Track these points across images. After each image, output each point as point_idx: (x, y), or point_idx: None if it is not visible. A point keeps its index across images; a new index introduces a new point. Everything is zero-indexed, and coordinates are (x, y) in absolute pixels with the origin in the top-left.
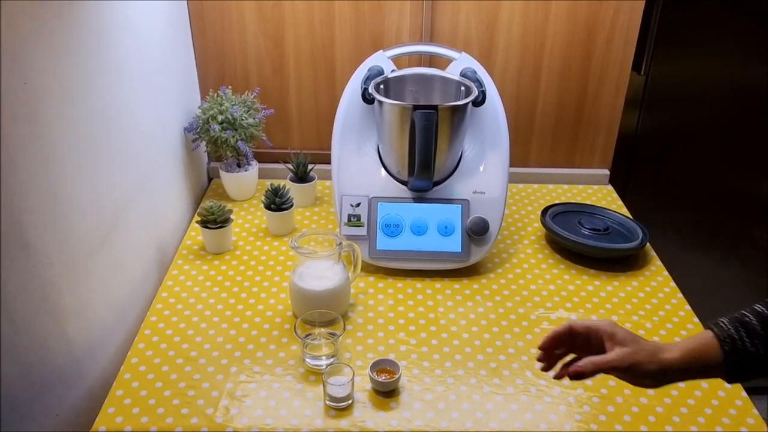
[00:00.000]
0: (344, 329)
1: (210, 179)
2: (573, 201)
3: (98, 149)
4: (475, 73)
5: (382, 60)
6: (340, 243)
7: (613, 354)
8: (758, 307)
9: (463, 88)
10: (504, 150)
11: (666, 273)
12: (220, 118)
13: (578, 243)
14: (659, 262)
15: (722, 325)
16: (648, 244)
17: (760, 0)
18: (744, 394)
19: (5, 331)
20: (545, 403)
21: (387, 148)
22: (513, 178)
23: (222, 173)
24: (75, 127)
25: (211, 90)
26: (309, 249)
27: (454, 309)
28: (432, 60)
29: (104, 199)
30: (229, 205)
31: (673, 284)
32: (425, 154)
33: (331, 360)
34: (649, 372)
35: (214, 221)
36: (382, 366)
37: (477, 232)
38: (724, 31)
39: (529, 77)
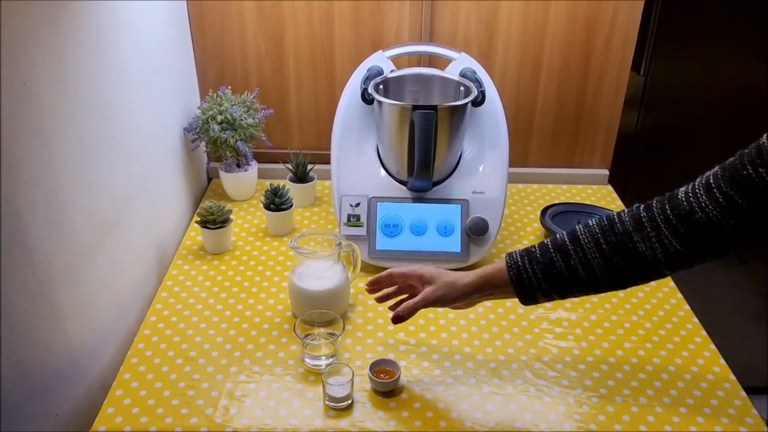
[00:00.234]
0: (344, 329)
1: (209, 179)
2: (572, 201)
3: (98, 149)
4: (475, 73)
5: (381, 60)
6: (340, 243)
7: (421, 294)
8: (548, 239)
9: (462, 88)
10: (503, 150)
11: None
12: (219, 118)
13: None
14: None
15: (513, 253)
16: None
17: (760, 0)
18: (743, 393)
19: (5, 331)
20: (545, 403)
21: (386, 148)
22: (512, 178)
23: (221, 173)
24: (75, 127)
25: (210, 90)
26: (308, 249)
27: (454, 309)
28: (431, 60)
29: (104, 199)
30: (228, 206)
31: (672, 284)
32: (424, 154)
33: (331, 360)
34: (454, 298)
35: (214, 221)
36: (381, 366)
37: (476, 232)
38: (723, 31)
39: (529, 77)
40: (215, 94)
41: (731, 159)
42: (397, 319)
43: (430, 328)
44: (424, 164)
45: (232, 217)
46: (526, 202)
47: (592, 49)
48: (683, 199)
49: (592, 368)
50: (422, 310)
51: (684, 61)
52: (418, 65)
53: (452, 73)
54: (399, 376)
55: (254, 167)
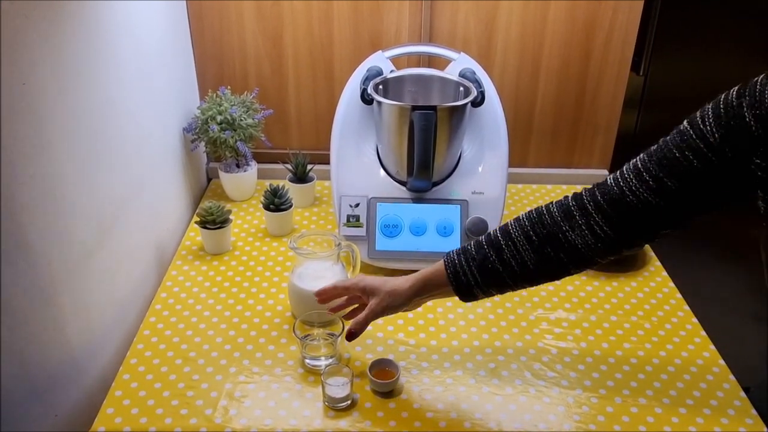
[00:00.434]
0: (343, 330)
1: (209, 179)
2: None
3: (97, 150)
4: (474, 73)
5: (381, 60)
6: (339, 243)
7: (367, 308)
8: (483, 235)
9: (462, 88)
10: (503, 150)
11: (665, 273)
12: (219, 118)
13: None
14: (658, 263)
15: (451, 252)
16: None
17: (760, 0)
18: (743, 394)
19: (4, 331)
20: (544, 404)
21: (386, 148)
22: (512, 179)
23: (221, 173)
24: (74, 127)
25: (210, 90)
26: (308, 249)
27: (453, 309)
28: (431, 60)
29: (103, 199)
30: (228, 206)
31: (671, 284)
32: (424, 154)
33: (330, 360)
34: (398, 305)
35: (213, 222)
36: (381, 366)
37: (476, 232)
38: (723, 31)
39: (528, 77)
40: (215, 95)
41: (655, 146)
42: (350, 336)
43: (429, 329)
44: (423, 164)
45: (231, 217)
46: (526, 202)
47: (592, 49)
48: (613, 184)
49: (591, 369)
50: (420, 310)
51: (684, 62)
52: (418, 65)
53: (452, 73)
54: (398, 376)
55: (254, 167)
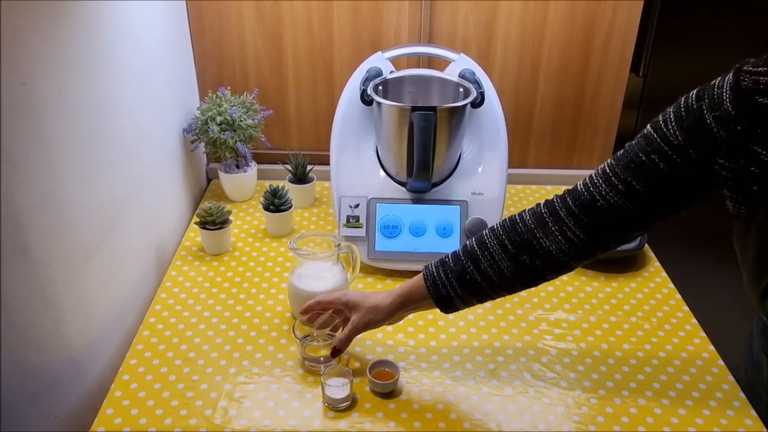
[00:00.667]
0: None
1: (209, 180)
2: None
3: (97, 150)
4: (474, 74)
5: (380, 61)
6: (339, 244)
7: (349, 324)
8: (460, 247)
9: (461, 89)
10: (502, 151)
11: (665, 274)
12: (218, 119)
13: None
14: (658, 263)
15: (429, 265)
16: (647, 245)
17: (760, 0)
18: (741, 394)
19: (4, 332)
20: (543, 405)
21: (386, 149)
22: (511, 179)
23: (221, 174)
24: (74, 128)
25: (210, 91)
26: (308, 250)
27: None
28: (431, 61)
29: (103, 200)
30: (227, 206)
31: (671, 285)
32: (424, 155)
33: (330, 361)
34: (380, 320)
35: (213, 222)
36: (380, 367)
37: (476, 233)
38: (723, 32)
39: (527, 78)
40: (214, 95)
41: (622, 150)
42: (335, 352)
43: (429, 330)
44: (423, 165)
45: (231, 218)
46: (526, 203)
47: (591, 49)
48: (583, 190)
49: (591, 369)
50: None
51: (683, 62)
52: (418, 66)
53: (451, 74)
54: (398, 377)
55: (253, 168)
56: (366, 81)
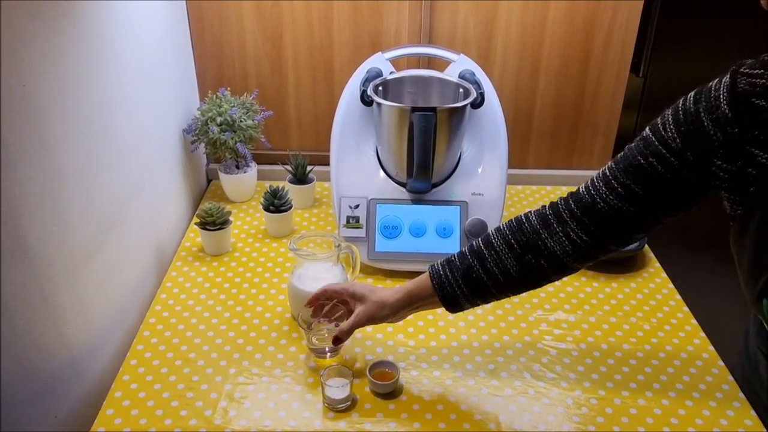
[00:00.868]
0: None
1: (209, 181)
2: None
3: (97, 151)
4: (474, 74)
5: (380, 62)
6: (339, 245)
7: (354, 315)
8: (466, 246)
9: (461, 89)
10: (502, 151)
11: (664, 274)
12: (219, 119)
13: None
14: (658, 264)
15: (435, 264)
16: (647, 245)
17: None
18: (741, 395)
19: (4, 332)
20: (543, 405)
21: (386, 149)
22: (511, 180)
23: (221, 175)
24: (74, 128)
25: (210, 92)
26: (307, 251)
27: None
28: (430, 61)
29: (103, 200)
30: (227, 207)
31: (671, 285)
32: (424, 155)
33: (335, 350)
34: (384, 316)
35: (213, 223)
36: (380, 368)
37: (475, 233)
38: (723, 32)
39: (527, 78)
40: (214, 96)
41: (622, 153)
42: (337, 340)
43: (429, 330)
44: (423, 166)
45: (231, 218)
46: (525, 203)
47: (591, 49)
48: (584, 193)
49: (591, 370)
50: (421, 313)
51: (683, 63)
52: (417, 67)
53: (451, 74)
54: (398, 377)
55: (253, 169)
56: (366, 81)
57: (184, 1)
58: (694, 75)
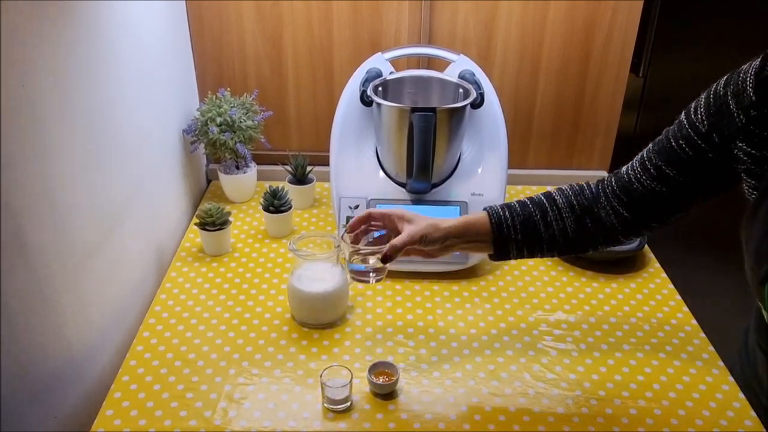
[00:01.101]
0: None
1: (208, 181)
2: None
3: (96, 151)
4: (474, 75)
5: (380, 62)
6: (339, 245)
7: (405, 233)
8: (525, 197)
9: (461, 90)
10: (502, 152)
11: (664, 275)
12: (218, 120)
13: None
14: (658, 264)
15: (493, 206)
16: (646, 245)
17: (760, 0)
18: (741, 395)
19: (4, 333)
20: (543, 405)
21: (385, 150)
22: (511, 180)
23: (220, 175)
24: (73, 129)
25: (209, 92)
26: (307, 251)
27: (453, 311)
28: (430, 62)
29: (102, 201)
30: (227, 207)
31: (671, 286)
32: (423, 156)
33: (380, 274)
34: (436, 239)
35: (213, 223)
36: (380, 368)
37: None
38: (723, 32)
39: (527, 78)
40: (214, 96)
41: (660, 137)
42: (386, 258)
43: (429, 331)
44: (423, 166)
45: (231, 219)
46: None
47: (591, 49)
48: (624, 173)
49: (590, 370)
50: (420, 312)
51: (683, 63)
52: (417, 67)
53: (451, 75)
54: (398, 378)
55: (253, 169)
56: (366, 82)
57: (184, 1)
58: (694, 75)
